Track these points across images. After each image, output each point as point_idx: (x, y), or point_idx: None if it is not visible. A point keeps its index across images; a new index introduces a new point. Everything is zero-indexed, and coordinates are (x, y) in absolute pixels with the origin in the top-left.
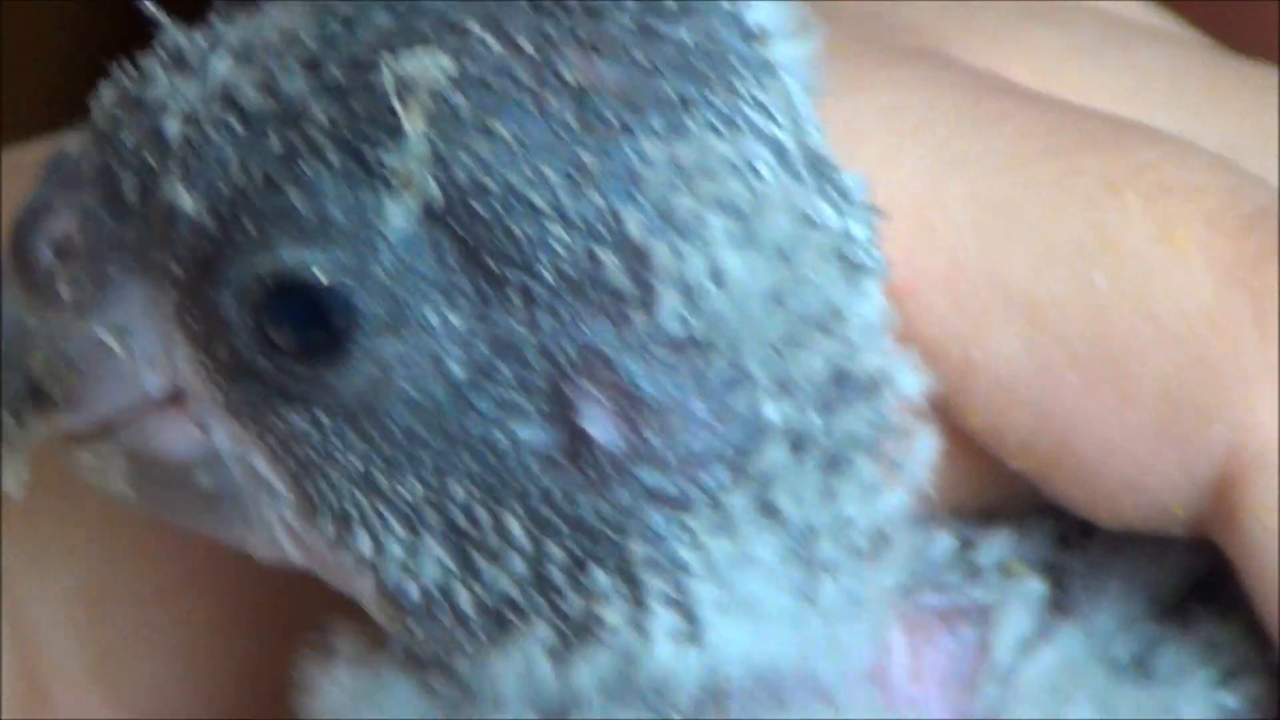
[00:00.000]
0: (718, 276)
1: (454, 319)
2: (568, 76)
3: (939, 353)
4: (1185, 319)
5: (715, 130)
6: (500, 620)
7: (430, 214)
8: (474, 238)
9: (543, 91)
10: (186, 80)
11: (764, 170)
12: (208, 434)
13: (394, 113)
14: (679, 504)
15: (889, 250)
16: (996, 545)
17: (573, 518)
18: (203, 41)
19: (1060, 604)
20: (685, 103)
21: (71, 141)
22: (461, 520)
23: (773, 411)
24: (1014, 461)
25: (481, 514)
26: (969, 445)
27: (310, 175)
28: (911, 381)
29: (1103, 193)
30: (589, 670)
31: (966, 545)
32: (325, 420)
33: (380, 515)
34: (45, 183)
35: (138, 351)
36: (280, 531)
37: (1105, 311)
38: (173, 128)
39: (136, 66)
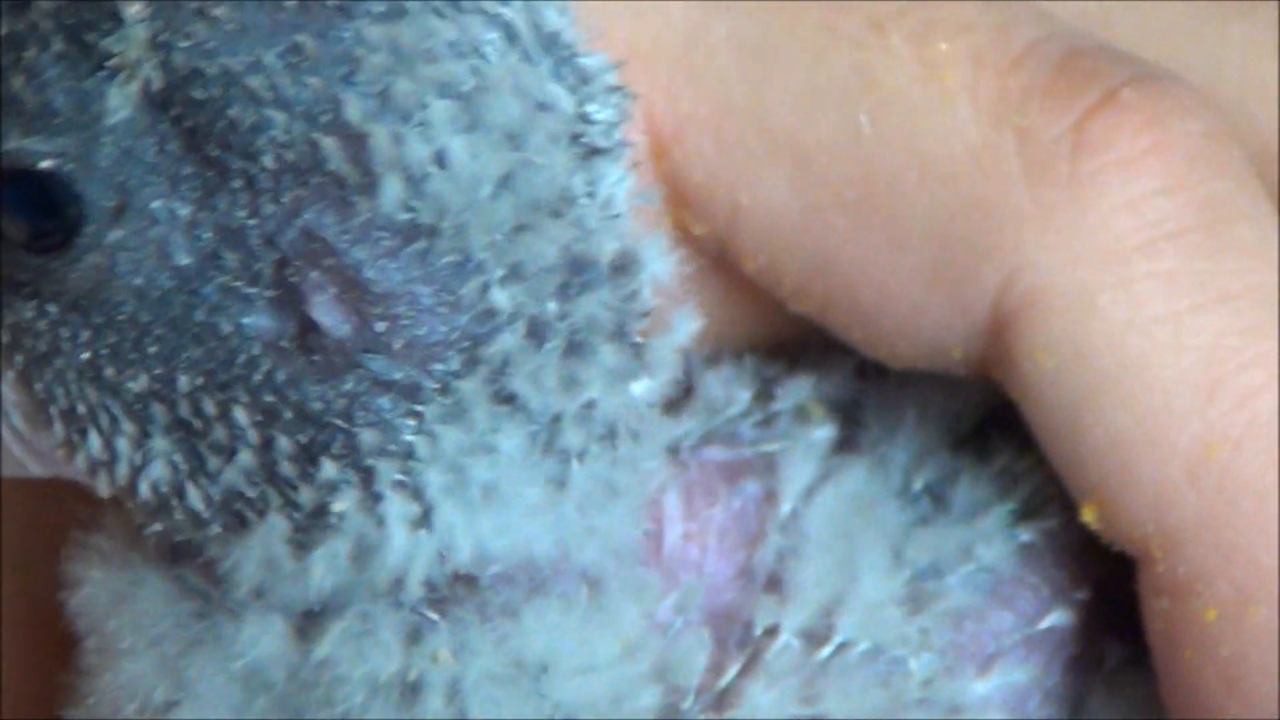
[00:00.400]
0: (441, 161)
1: (178, 207)
2: None
3: (709, 198)
4: (952, 160)
5: (438, 13)
6: (234, 514)
7: (151, 100)
8: (195, 124)
9: None
10: None
11: (490, 53)
12: None
13: None
14: (408, 391)
15: (655, 96)
16: (794, 388)
17: (301, 407)
18: None
19: (854, 441)
20: None
21: None
22: (188, 414)
23: (503, 298)
24: (792, 305)
25: (208, 407)
26: (754, 288)
27: (34, 62)
28: (661, 264)
29: (867, 32)
30: (327, 560)
31: (764, 391)
32: (54, 311)
33: (109, 411)
34: None
35: None
36: (14, 442)
37: (871, 154)
38: None
39: None
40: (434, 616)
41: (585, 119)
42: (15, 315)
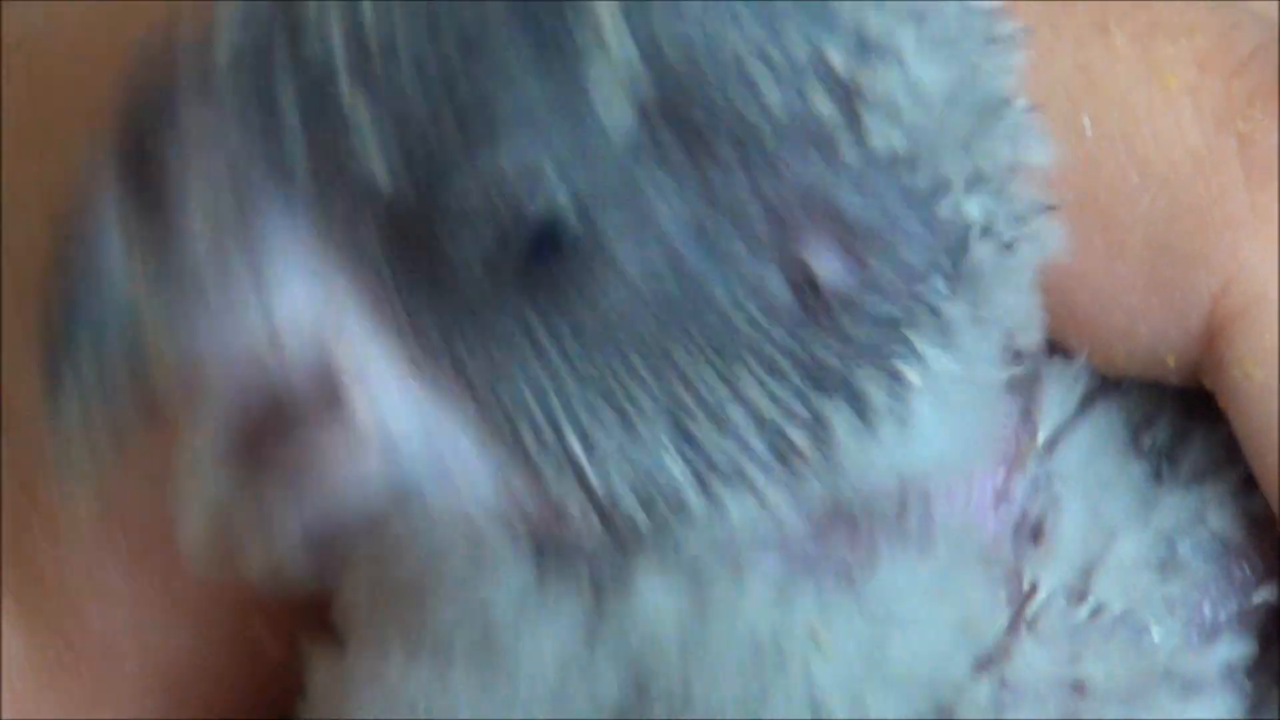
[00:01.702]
0: (912, 87)
1: (677, 197)
2: None
3: None
4: (1172, 163)
5: None
6: (713, 483)
7: (641, 96)
8: (686, 110)
9: None
10: (336, 17)
11: None
12: (379, 421)
13: None
14: (906, 324)
15: None
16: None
17: (806, 361)
18: None
19: (1091, 393)
20: None
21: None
22: (687, 397)
23: (974, 208)
24: None
25: (709, 385)
26: None
27: (517, 88)
28: (1043, 152)
29: (1091, 32)
30: (795, 501)
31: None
32: (557, 344)
33: (596, 412)
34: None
35: (286, 318)
36: (477, 486)
37: (1092, 155)
38: (342, 87)
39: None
40: (811, 579)
41: (990, 13)
42: (508, 358)
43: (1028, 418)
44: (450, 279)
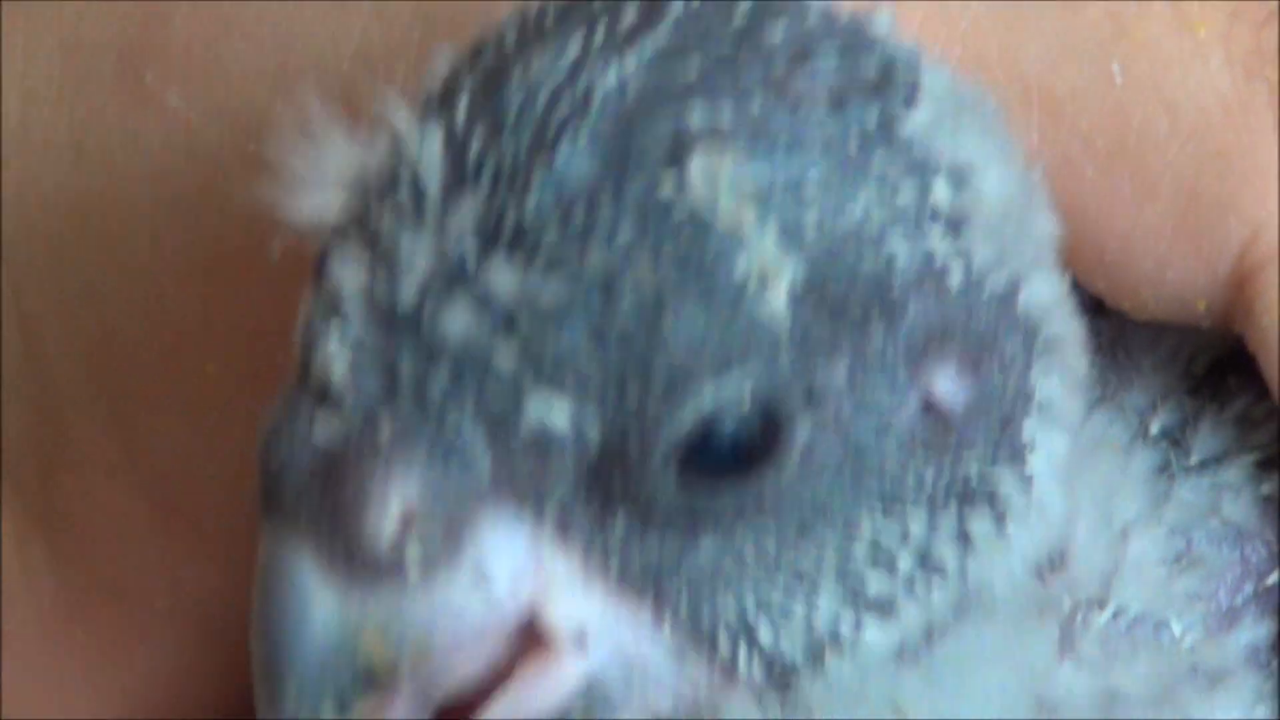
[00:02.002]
0: (996, 197)
1: (838, 369)
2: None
3: None
4: (1203, 111)
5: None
6: (865, 619)
7: (797, 289)
8: (833, 288)
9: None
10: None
11: None
12: (580, 650)
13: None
14: (1019, 417)
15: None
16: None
17: (954, 487)
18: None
19: (1094, 400)
20: None
21: (321, 423)
22: (857, 549)
23: (1042, 290)
24: None
25: (875, 532)
26: None
27: (679, 328)
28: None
29: None
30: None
31: None
32: (744, 532)
33: (780, 600)
34: (326, 476)
35: (498, 591)
36: (661, 691)
37: (1122, 103)
38: (505, 354)
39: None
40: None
41: None
42: (697, 555)
43: None
44: (653, 502)
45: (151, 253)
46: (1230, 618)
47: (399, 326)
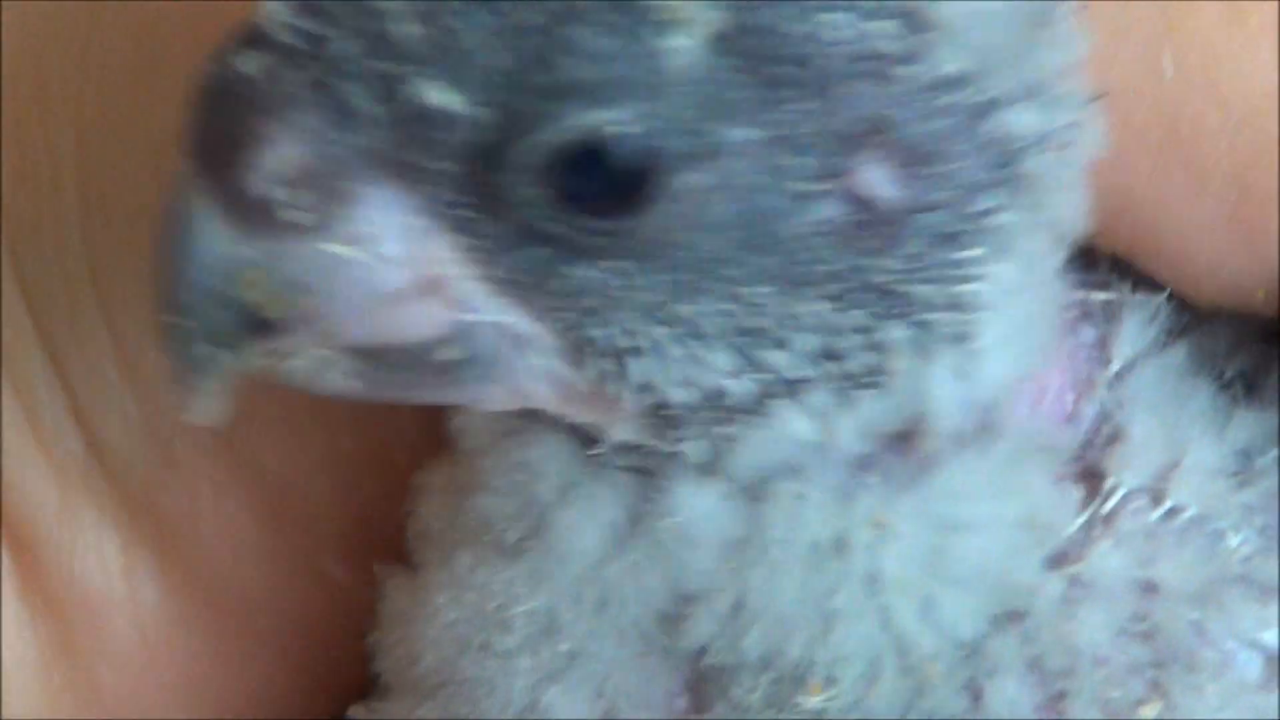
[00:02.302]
0: (974, 11)
1: (746, 133)
2: None
3: None
4: (1253, 103)
5: None
6: (771, 399)
7: (713, 41)
8: (753, 48)
9: None
10: None
11: None
12: (459, 311)
13: None
14: (963, 238)
15: None
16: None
17: (867, 282)
18: None
19: (1175, 326)
20: None
21: (241, 63)
22: (751, 320)
23: (1028, 118)
24: (1101, 243)
25: (773, 308)
26: None
27: (584, 39)
28: (1085, 46)
29: None
30: (855, 421)
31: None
32: (618, 266)
33: (663, 340)
34: (229, 113)
35: (380, 255)
36: (534, 380)
37: (1174, 95)
38: (408, 28)
39: None
40: (872, 478)
41: None
42: (571, 281)
43: (1103, 347)
44: (526, 207)
45: None
46: None
47: None
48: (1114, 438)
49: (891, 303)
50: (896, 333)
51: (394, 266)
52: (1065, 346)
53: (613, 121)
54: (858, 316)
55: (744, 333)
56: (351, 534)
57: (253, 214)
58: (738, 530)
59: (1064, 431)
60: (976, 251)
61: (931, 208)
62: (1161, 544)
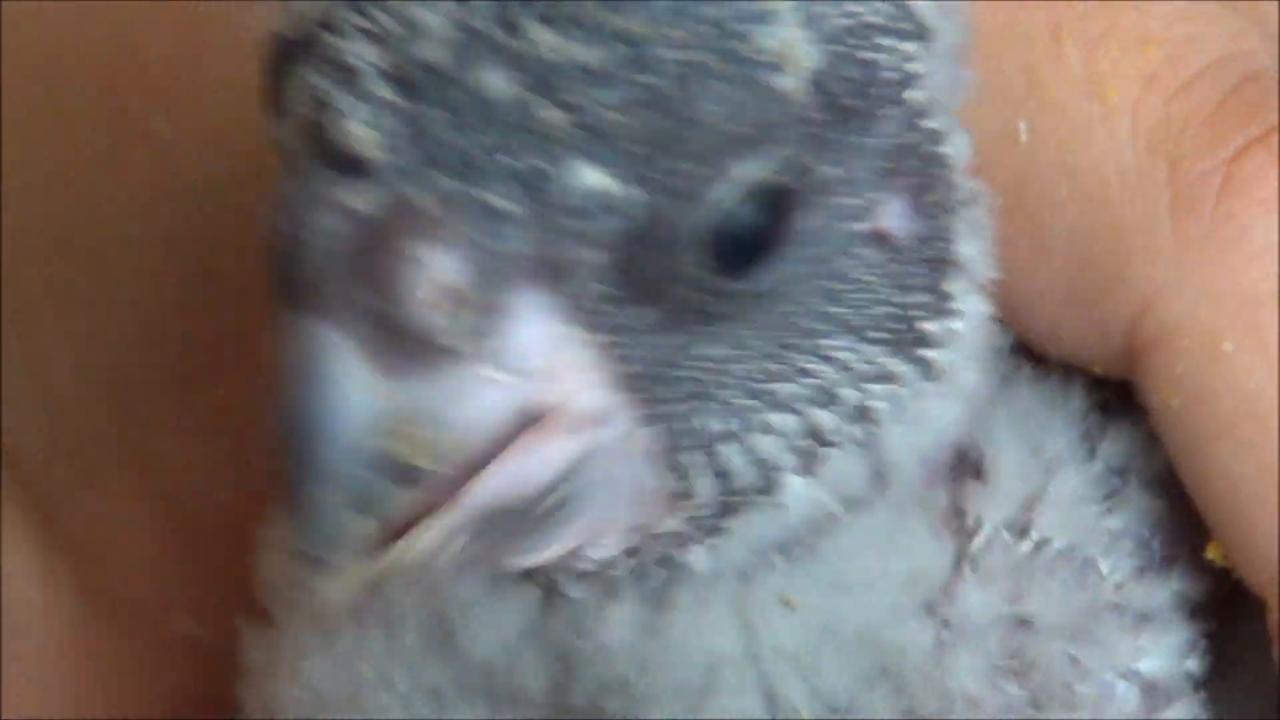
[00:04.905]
0: (948, 28)
1: (834, 171)
2: None
3: None
4: (1102, 180)
5: None
6: (790, 472)
7: (811, 77)
8: (835, 82)
9: None
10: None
11: None
12: (581, 428)
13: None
14: (950, 270)
15: None
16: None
17: (910, 325)
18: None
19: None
20: None
21: (354, 194)
22: (824, 379)
23: (958, 151)
24: None
25: (845, 362)
26: None
27: (715, 93)
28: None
29: (1044, 35)
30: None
31: None
32: (736, 335)
33: (751, 416)
34: (363, 247)
35: (528, 370)
36: (615, 506)
37: (1026, 161)
38: (546, 114)
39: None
40: (777, 555)
41: None
42: (694, 356)
43: None
44: (670, 280)
45: (149, 286)
46: (1163, 565)
47: (428, 92)
48: (978, 471)
49: (900, 339)
50: (901, 369)
51: (537, 381)
52: None
53: (759, 170)
54: (882, 355)
55: (814, 395)
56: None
57: (407, 349)
58: (641, 640)
59: (935, 480)
60: (954, 286)
61: (933, 238)
62: (1032, 577)
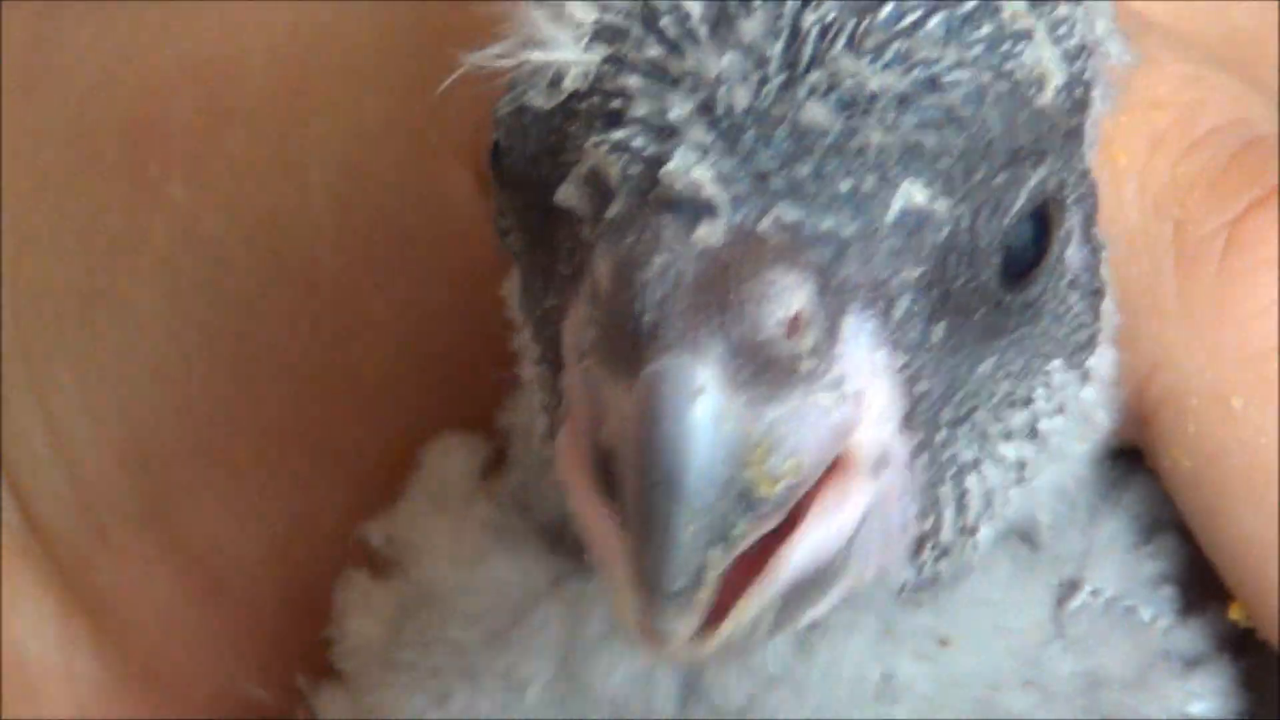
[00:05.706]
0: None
1: (1071, 189)
2: None
3: None
4: (1109, 244)
5: None
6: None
7: (1059, 90)
8: (1069, 99)
9: None
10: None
11: None
12: (871, 478)
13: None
14: (1101, 299)
15: None
16: None
17: (1079, 351)
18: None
19: None
20: None
21: (703, 231)
22: (1039, 398)
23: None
24: None
25: (1056, 380)
26: None
27: (1004, 106)
28: None
29: None
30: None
31: None
32: (1004, 352)
33: (996, 442)
34: (716, 276)
35: (851, 396)
36: (873, 554)
37: None
38: (872, 137)
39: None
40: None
41: None
42: (974, 373)
43: None
44: (973, 293)
45: (168, 353)
46: (1198, 604)
47: (753, 130)
48: (1031, 536)
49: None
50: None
51: (851, 405)
52: None
53: (1046, 177)
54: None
55: (1028, 426)
56: (281, 609)
57: (762, 378)
58: (780, 665)
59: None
60: (1103, 320)
61: (1092, 269)
62: (1095, 630)
